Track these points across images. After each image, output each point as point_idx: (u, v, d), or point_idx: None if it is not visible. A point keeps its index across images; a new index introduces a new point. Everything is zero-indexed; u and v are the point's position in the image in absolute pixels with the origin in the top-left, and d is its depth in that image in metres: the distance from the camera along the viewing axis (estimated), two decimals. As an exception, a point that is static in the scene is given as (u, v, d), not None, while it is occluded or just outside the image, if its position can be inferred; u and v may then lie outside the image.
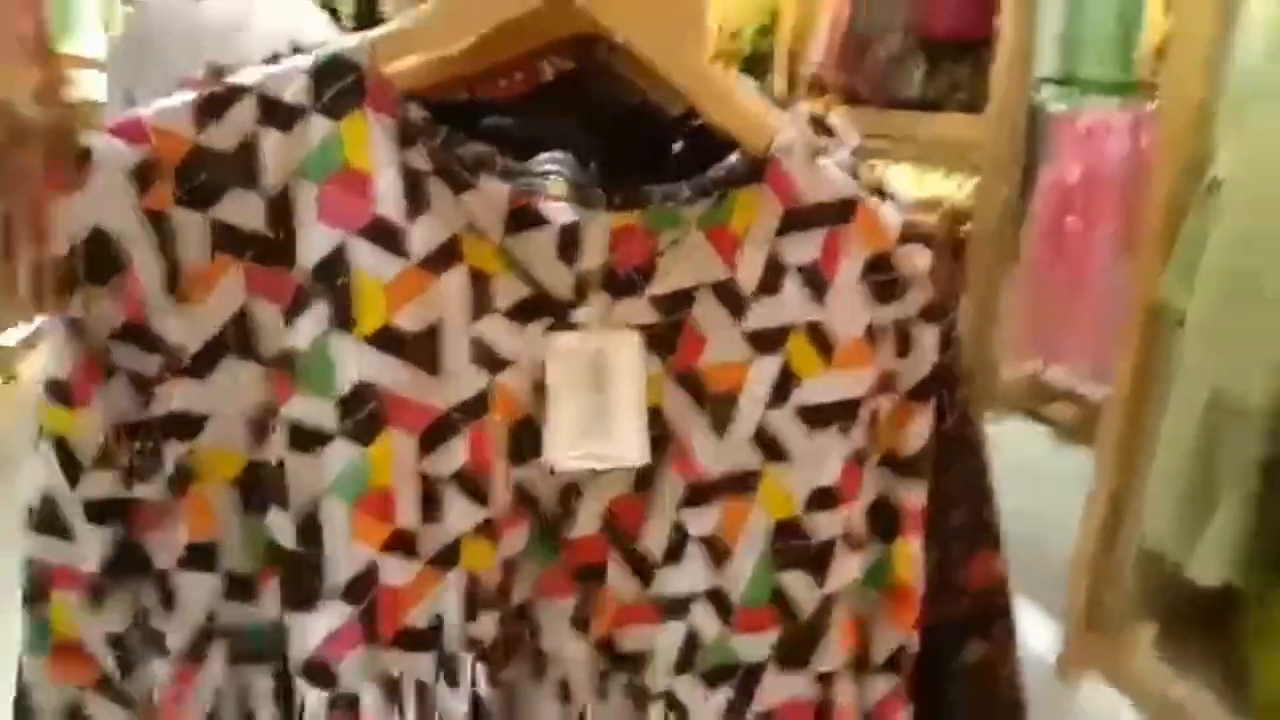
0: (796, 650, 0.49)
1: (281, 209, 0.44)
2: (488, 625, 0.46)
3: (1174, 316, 1.68)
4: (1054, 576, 1.96)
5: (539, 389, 0.46)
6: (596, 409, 0.46)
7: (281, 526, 0.45)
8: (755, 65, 3.77)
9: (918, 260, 0.49)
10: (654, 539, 0.48)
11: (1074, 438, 3.18)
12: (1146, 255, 1.78)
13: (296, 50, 0.47)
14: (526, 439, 0.46)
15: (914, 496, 0.51)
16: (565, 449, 0.45)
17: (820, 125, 0.57)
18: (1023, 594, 1.98)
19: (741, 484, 0.47)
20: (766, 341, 0.47)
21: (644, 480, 0.48)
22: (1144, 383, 1.75)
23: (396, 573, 0.44)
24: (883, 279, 0.49)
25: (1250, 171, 1.55)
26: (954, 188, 2.71)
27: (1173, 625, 1.78)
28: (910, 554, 0.51)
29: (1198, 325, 1.60)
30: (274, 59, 0.47)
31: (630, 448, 0.46)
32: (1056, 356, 3.00)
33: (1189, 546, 1.56)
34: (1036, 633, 2.04)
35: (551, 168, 0.47)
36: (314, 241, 0.44)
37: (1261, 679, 1.46)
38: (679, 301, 0.47)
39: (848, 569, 0.49)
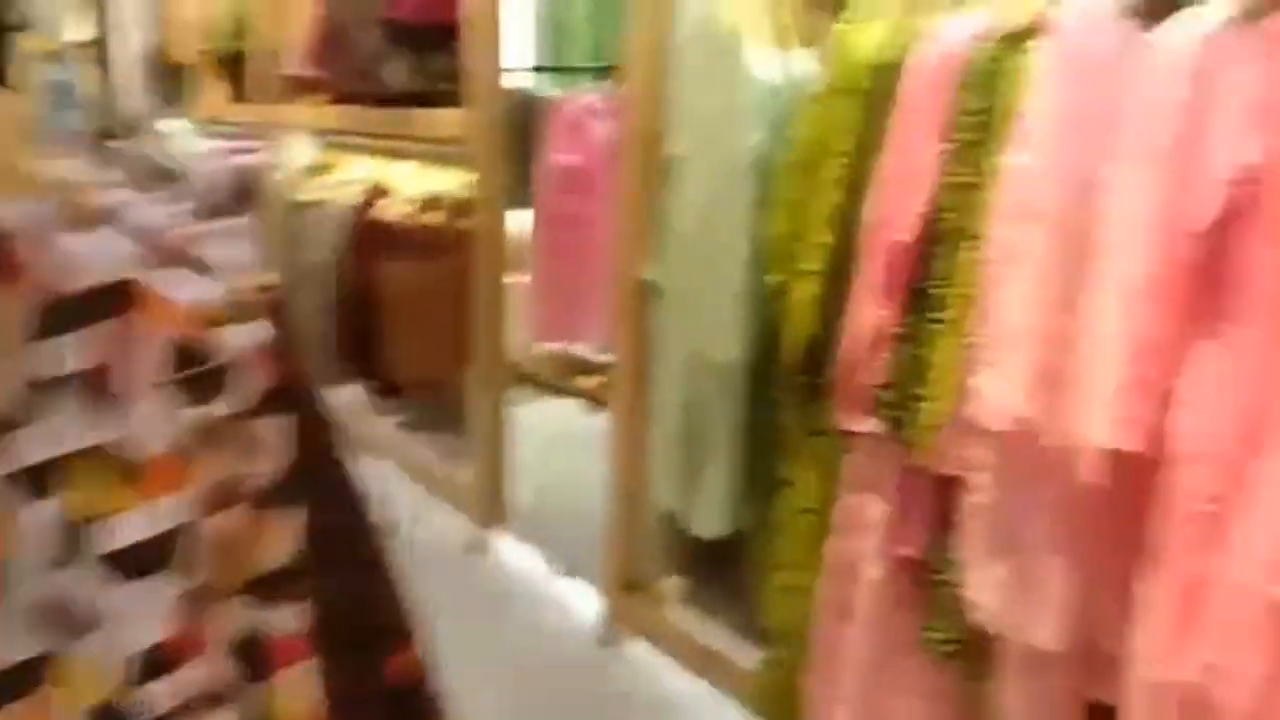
0: None
1: None
2: None
3: (653, 287, 1.79)
4: (596, 544, 2.03)
5: None
6: None
7: None
8: (234, 66, 3.49)
9: (244, 340, 0.41)
10: None
11: (604, 406, 3.36)
12: (625, 231, 1.87)
13: None
14: None
15: (288, 620, 0.43)
16: None
17: (158, 172, 0.46)
18: (568, 566, 2.04)
19: (28, 678, 0.36)
20: (36, 482, 0.36)
21: None
22: (639, 352, 1.85)
23: None
24: (195, 373, 0.39)
25: (698, 148, 1.67)
26: (454, 182, 2.69)
27: (698, 576, 1.92)
28: (296, 685, 0.43)
29: (671, 293, 1.71)
30: None
31: None
32: (575, 334, 3.13)
33: (691, 503, 1.68)
34: (581, 603, 2.11)
35: None
36: None
37: (767, 611, 1.60)
38: None
39: (210, 733, 0.40)
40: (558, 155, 3.15)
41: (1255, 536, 0.97)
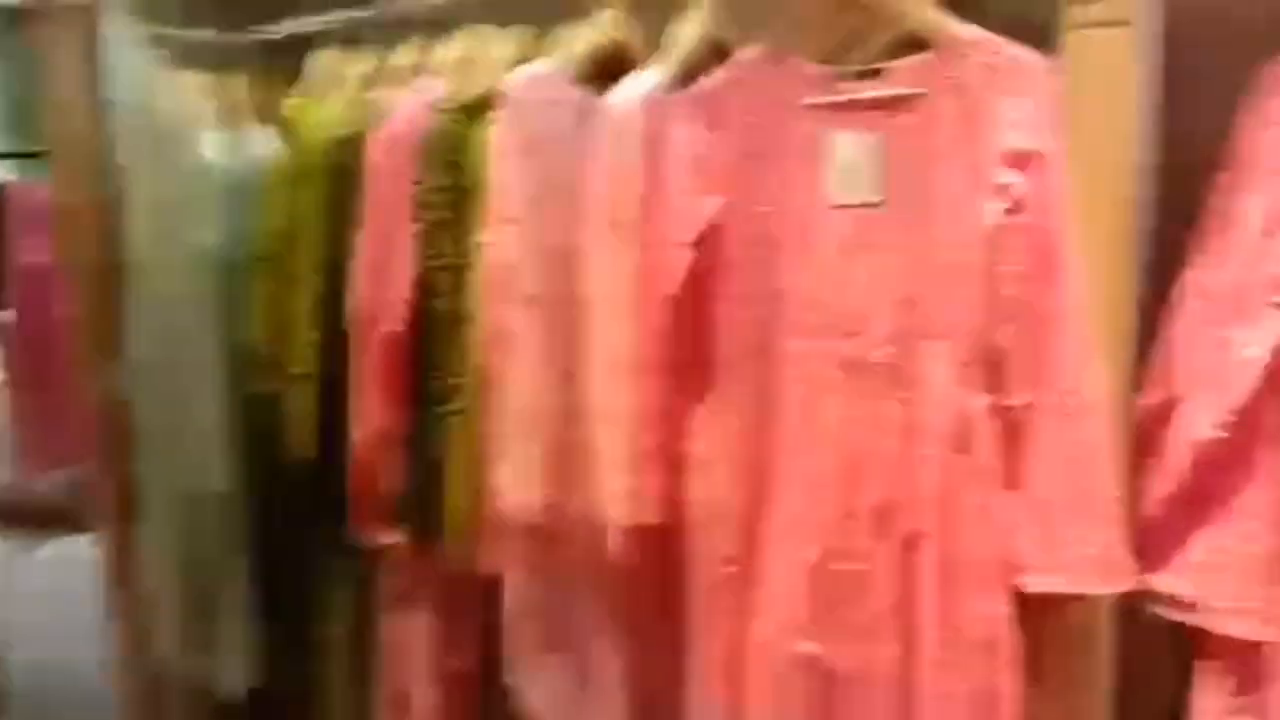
0: None
1: None
2: None
3: (126, 409, 1.50)
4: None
5: None
6: None
7: None
8: None
9: None
10: None
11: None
12: (81, 347, 1.56)
13: None
14: None
15: None
16: None
17: None
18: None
19: None
20: None
21: None
22: (125, 488, 1.54)
23: None
24: None
25: (153, 248, 1.43)
26: None
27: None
28: None
29: (146, 417, 1.44)
30: None
31: None
32: (72, 458, 2.66)
33: (208, 658, 1.43)
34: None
35: None
36: None
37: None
38: None
39: None
40: (24, 253, 2.69)
41: (772, 593, 0.97)
